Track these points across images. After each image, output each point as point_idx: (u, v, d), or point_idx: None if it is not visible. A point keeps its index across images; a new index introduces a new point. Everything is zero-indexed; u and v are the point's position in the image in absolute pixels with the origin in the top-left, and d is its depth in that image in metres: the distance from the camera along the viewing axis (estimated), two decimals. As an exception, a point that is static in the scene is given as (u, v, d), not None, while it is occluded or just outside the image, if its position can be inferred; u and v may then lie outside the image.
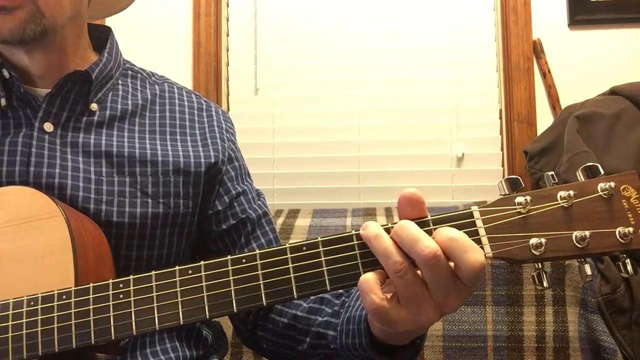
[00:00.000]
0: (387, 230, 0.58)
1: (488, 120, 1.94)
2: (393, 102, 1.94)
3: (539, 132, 1.82)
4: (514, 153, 1.86)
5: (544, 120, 1.85)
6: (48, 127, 0.80)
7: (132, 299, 0.62)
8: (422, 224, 0.58)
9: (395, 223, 0.58)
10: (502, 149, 1.92)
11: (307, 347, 0.83)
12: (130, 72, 0.94)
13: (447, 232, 0.56)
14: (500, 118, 1.94)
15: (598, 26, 1.90)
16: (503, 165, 1.91)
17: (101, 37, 0.93)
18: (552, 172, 0.57)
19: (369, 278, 0.57)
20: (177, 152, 0.88)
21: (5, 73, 0.80)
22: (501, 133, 1.93)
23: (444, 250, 0.55)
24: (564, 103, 1.81)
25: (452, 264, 0.56)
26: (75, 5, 0.83)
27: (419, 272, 0.57)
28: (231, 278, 0.61)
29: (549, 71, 1.88)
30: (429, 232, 0.57)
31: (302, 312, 0.84)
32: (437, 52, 1.95)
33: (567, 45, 1.90)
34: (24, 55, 0.82)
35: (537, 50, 1.89)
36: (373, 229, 0.58)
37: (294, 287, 0.59)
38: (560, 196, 0.56)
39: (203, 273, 0.61)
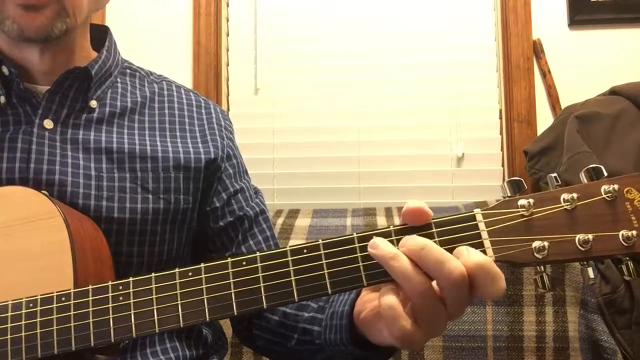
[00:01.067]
0: (389, 234, 0.58)
1: (488, 120, 1.93)
2: (393, 102, 1.94)
3: (539, 132, 1.82)
4: (514, 153, 1.86)
5: (544, 120, 1.85)
6: (48, 124, 0.80)
7: (131, 301, 0.61)
8: (424, 227, 0.57)
9: (398, 226, 0.58)
10: (502, 149, 1.92)
11: (295, 343, 0.83)
12: (128, 70, 0.95)
13: (473, 258, 0.54)
14: (500, 118, 1.94)
15: (598, 26, 1.90)
16: (503, 165, 1.91)
17: (99, 37, 0.94)
18: (555, 174, 0.57)
19: (393, 304, 0.55)
20: (177, 148, 0.88)
21: (5, 70, 0.80)
22: (501, 133, 1.93)
23: (470, 275, 0.54)
24: (564, 103, 1.81)
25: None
26: (91, 6, 0.84)
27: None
28: (231, 281, 0.60)
29: (549, 71, 1.88)
30: (432, 236, 0.57)
31: (290, 309, 0.85)
32: (437, 52, 1.95)
33: (567, 45, 1.90)
34: (37, 53, 0.82)
35: (537, 50, 1.89)
36: (388, 249, 0.56)
37: (294, 290, 0.59)
38: (564, 199, 0.55)
39: (203, 275, 0.61)
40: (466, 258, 0.55)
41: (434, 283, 0.56)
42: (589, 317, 1.26)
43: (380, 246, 0.56)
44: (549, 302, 1.29)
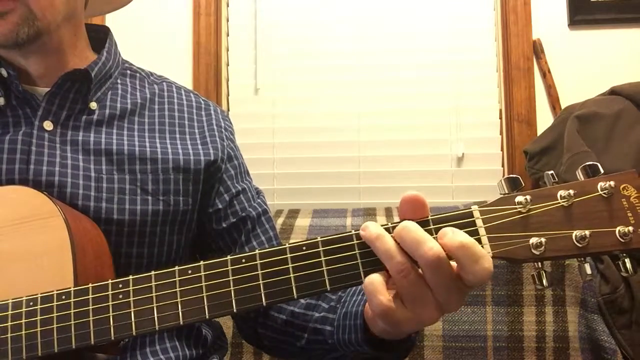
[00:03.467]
0: (387, 230, 0.58)
1: (488, 120, 1.94)
2: (393, 102, 1.94)
3: (539, 132, 1.82)
4: (514, 153, 1.86)
5: (544, 120, 1.85)
6: (48, 125, 0.80)
7: (131, 299, 0.62)
8: (422, 223, 0.58)
9: (396, 223, 0.58)
10: (502, 149, 1.92)
11: (305, 343, 0.83)
12: (129, 71, 0.95)
13: (457, 238, 0.55)
14: (500, 118, 1.94)
15: (598, 26, 1.90)
16: (503, 165, 1.91)
17: (100, 38, 0.94)
18: (552, 172, 0.57)
19: (374, 279, 0.57)
20: (177, 149, 0.88)
21: (4, 72, 0.80)
22: (501, 133, 1.93)
23: (453, 256, 0.55)
24: (564, 103, 1.81)
25: (454, 263, 0.56)
26: (69, 5, 0.83)
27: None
28: (231, 278, 0.60)
29: (549, 71, 1.88)
30: (430, 232, 0.57)
31: (299, 309, 0.85)
32: (437, 52, 1.95)
33: (567, 45, 1.90)
34: (20, 58, 0.82)
35: (537, 50, 1.89)
36: (374, 230, 0.58)
37: (293, 287, 0.59)
38: (560, 195, 0.56)
39: (203, 273, 0.61)
40: (450, 238, 0.56)
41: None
42: (589, 317, 1.26)
43: (368, 228, 0.58)
44: (549, 302, 1.29)
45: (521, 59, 1.89)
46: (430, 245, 0.55)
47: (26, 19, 0.76)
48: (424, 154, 1.91)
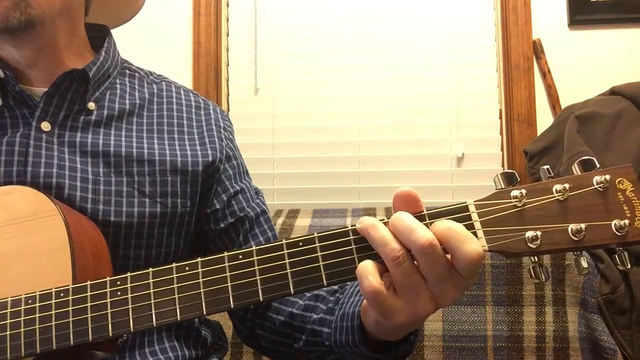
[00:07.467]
0: (384, 224, 0.58)
1: (488, 120, 1.94)
2: (393, 102, 1.95)
3: (539, 132, 1.82)
4: (514, 153, 1.86)
5: (544, 120, 1.85)
6: (45, 126, 0.80)
7: (129, 295, 0.62)
8: (418, 218, 0.58)
9: (392, 218, 0.58)
10: (502, 149, 1.92)
11: (303, 344, 0.83)
12: (128, 71, 0.94)
13: (445, 223, 0.56)
14: (500, 118, 1.94)
15: (598, 26, 1.90)
16: (503, 165, 1.91)
17: (99, 37, 0.93)
18: (548, 166, 0.57)
19: (366, 263, 0.57)
20: (175, 151, 0.87)
21: (0, 72, 0.80)
22: (501, 133, 1.93)
23: (441, 241, 0.55)
24: (564, 103, 1.81)
25: (448, 256, 0.56)
26: (70, 1, 0.83)
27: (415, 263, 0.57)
28: (228, 274, 0.61)
29: (549, 71, 1.88)
30: (426, 225, 0.57)
31: (297, 310, 0.84)
32: (437, 52, 1.95)
33: (567, 45, 1.90)
34: (12, 49, 0.81)
35: (537, 50, 1.89)
36: (370, 220, 0.58)
37: (290, 283, 0.59)
38: (556, 189, 0.56)
39: (200, 270, 0.61)
40: (439, 224, 0.56)
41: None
42: (589, 317, 1.26)
43: (364, 220, 0.59)
44: (549, 302, 1.29)
45: (521, 59, 1.89)
46: (422, 232, 0.55)
47: (18, 5, 0.76)
48: (424, 154, 1.92)
